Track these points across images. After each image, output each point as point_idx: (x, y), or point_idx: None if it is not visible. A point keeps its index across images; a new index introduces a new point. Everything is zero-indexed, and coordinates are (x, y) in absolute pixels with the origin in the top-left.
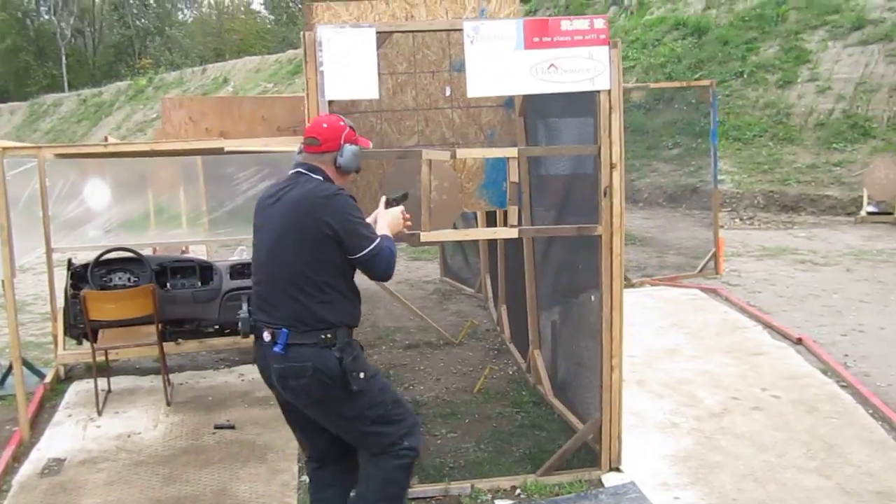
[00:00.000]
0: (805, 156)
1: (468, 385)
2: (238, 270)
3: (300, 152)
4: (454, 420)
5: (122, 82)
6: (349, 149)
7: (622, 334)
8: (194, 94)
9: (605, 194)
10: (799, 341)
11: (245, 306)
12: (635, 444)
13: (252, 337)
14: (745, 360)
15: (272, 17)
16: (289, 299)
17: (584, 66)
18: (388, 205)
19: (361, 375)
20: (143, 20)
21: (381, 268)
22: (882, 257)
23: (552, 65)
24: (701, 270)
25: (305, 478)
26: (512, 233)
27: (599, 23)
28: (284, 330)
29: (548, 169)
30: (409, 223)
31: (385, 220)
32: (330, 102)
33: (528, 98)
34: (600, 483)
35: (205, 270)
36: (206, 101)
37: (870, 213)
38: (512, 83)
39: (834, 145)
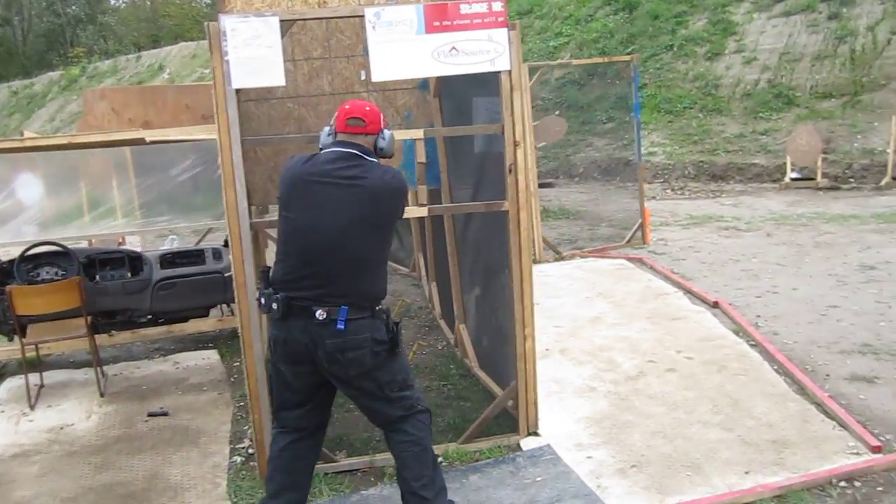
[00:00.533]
0: (733, 126)
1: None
2: (168, 260)
3: (330, 134)
4: None
5: (54, 72)
6: (389, 133)
7: (533, 305)
8: (129, 82)
9: (510, 171)
10: (715, 305)
11: (260, 283)
12: (555, 409)
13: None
14: (663, 325)
15: (208, 0)
16: (351, 278)
17: (484, 48)
18: None
19: (401, 338)
20: (73, 7)
21: None
22: (801, 221)
23: (453, 48)
24: (629, 241)
25: (237, 458)
26: (422, 211)
27: (497, 5)
28: (345, 307)
29: (464, 148)
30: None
31: None
32: (238, 91)
33: (441, 80)
34: (518, 447)
35: (134, 261)
36: (129, 92)
37: (793, 180)
38: (415, 67)
39: (760, 115)
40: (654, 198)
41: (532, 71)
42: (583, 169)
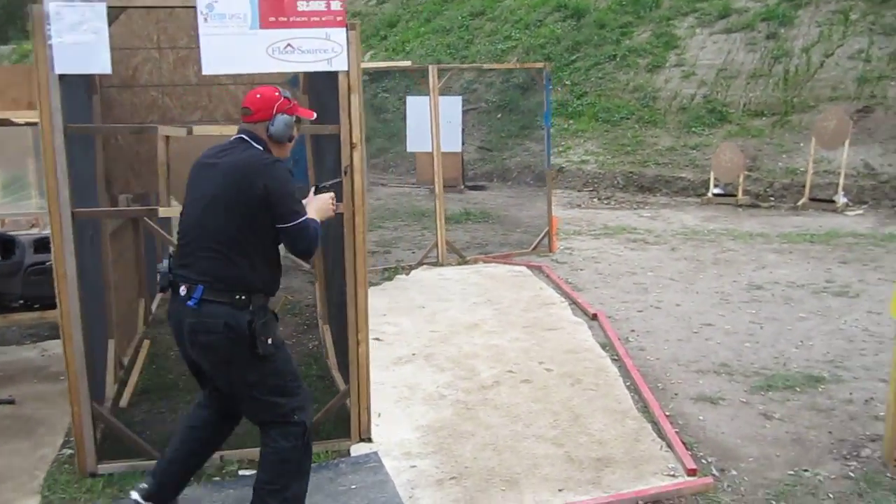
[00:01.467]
0: (666, 139)
1: None
2: (43, 244)
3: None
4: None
5: (7, 47)
6: (281, 118)
7: (367, 309)
8: None
9: (345, 173)
10: (594, 317)
11: (165, 262)
12: (398, 416)
13: (168, 293)
14: (537, 335)
15: None
16: (211, 257)
17: (321, 46)
18: (318, 192)
19: (269, 341)
20: None
21: (304, 242)
22: (710, 237)
23: (289, 45)
24: (534, 248)
25: (66, 451)
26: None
27: (336, 4)
28: (201, 286)
29: (328, 146)
30: (337, 210)
31: (314, 204)
32: (98, 77)
33: (309, 76)
34: (347, 453)
35: (6, 244)
36: (13, 71)
37: (716, 195)
38: (248, 62)
39: (693, 129)
40: (579, 206)
41: (441, 73)
42: (516, 173)
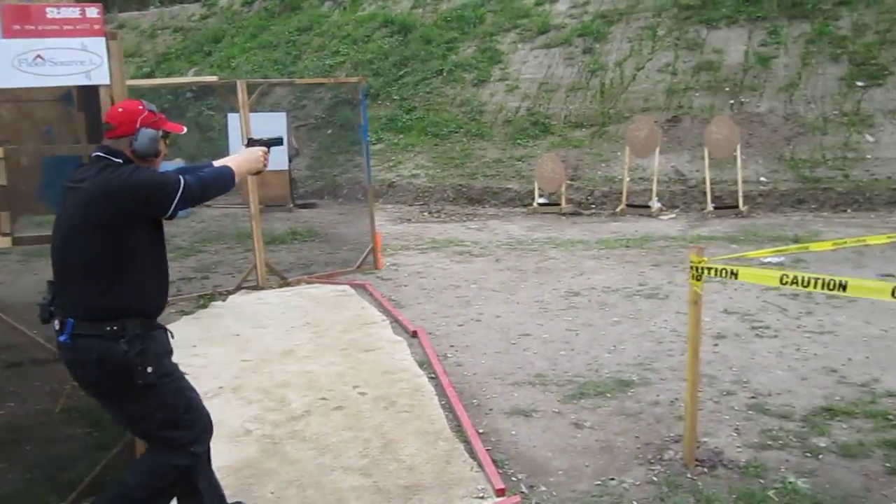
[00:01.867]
0: (493, 151)
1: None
2: None
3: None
4: (14, 447)
5: None
6: (145, 132)
7: None
8: None
9: None
10: (414, 334)
11: (48, 293)
12: None
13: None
14: (354, 357)
15: None
16: (80, 286)
17: (77, 58)
18: (251, 145)
19: (149, 370)
20: None
21: (200, 194)
22: (533, 247)
23: (38, 56)
24: (359, 266)
25: None
26: (6, 241)
27: (93, 11)
28: (71, 320)
29: None
30: (267, 163)
31: (242, 155)
32: None
33: (84, 91)
34: None
35: None
36: None
37: (541, 205)
38: None
39: (518, 141)
40: (409, 220)
41: (253, 87)
42: (347, 189)
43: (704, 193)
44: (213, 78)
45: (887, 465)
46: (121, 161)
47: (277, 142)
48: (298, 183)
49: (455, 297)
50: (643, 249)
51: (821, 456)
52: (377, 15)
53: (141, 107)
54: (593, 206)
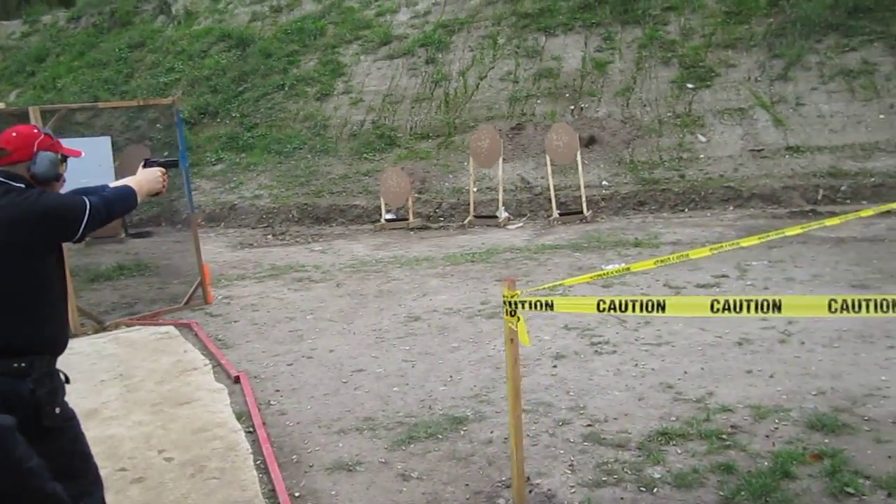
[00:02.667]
0: (339, 167)
1: None
2: None
3: None
4: None
5: None
6: (44, 156)
7: None
8: None
9: None
10: (237, 380)
11: None
12: None
13: None
14: (166, 413)
15: None
16: None
17: None
18: (148, 165)
19: (57, 411)
20: None
21: (106, 214)
22: (377, 267)
23: None
24: (187, 302)
25: None
26: None
27: None
28: None
29: None
30: (166, 184)
31: (138, 176)
32: None
33: None
34: None
35: None
36: None
37: (388, 220)
38: None
39: (365, 155)
40: (251, 245)
41: (49, 114)
42: (185, 215)
43: (550, 200)
44: (1, 105)
45: (721, 493)
46: (23, 185)
47: (174, 164)
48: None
49: (288, 331)
50: (488, 263)
51: (655, 489)
52: (213, 29)
53: (36, 130)
54: (442, 218)
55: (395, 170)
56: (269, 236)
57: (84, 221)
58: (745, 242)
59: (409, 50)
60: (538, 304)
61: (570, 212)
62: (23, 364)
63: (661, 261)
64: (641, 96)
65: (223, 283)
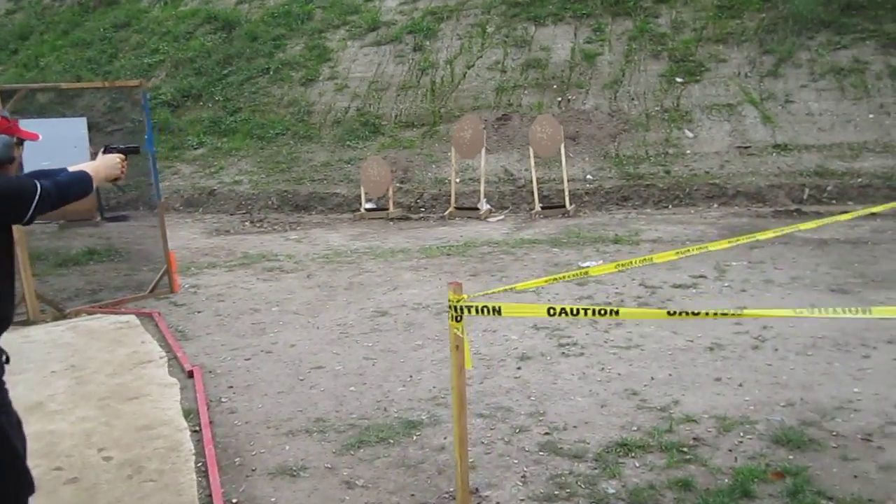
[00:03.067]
0: (322, 154)
1: None
2: None
3: None
4: None
5: None
6: None
7: None
8: None
9: None
10: (190, 374)
11: None
12: None
13: None
14: (112, 409)
15: None
16: None
17: None
18: (108, 152)
19: None
20: None
21: (58, 198)
22: (351, 258)
23: None
24: (153, 290)
25: None
26: None
27: None
28: None
29: None
30: (124, 170)
31: (97, 161)
32: None
33: None
34: None
35: None
36: None
37: (368, 210)
38: None
39: (348, 143)
40: (227, 232)
41: (9, 94)
42: (164, 199)
43: (532, 193)
44: None
45: None
46: None
47: (134, 150)
48: (111, 194)
49: (251, 323)
50: (464, 257)
51: None
52: (199, 10)
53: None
54: (423, 209)
55: (377, 158)
56: (247, 223)
57: (34, 204)
58: (713, 246)
59: (396, 36)
60: (485, 309)
61: (552, 205)
62: None
63: (622, 265)
64: (629, 89)
65: (192, 272)
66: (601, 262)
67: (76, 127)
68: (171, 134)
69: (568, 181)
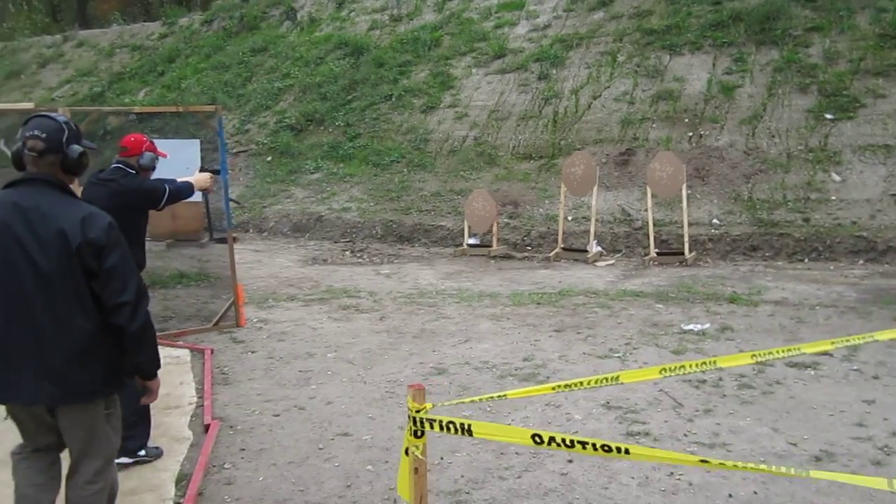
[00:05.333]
0: (433, 183)
1: None
2: None
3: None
4: None
5: None
6: (148, 154)
7: None
8: None
9: None
10: (208, 428)
11: None
12: None
13: None
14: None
15: None
16: None
17: None
18: (202, 171)
19: None
20: None
21: (175, 196)
22: (434, 300)
23: None
24: (217, 323)
25: None
26: None
27: None
28: None
29: None
30: (213, 186)
31: (195, 176)
32: None
33: None
34: None
35: None
36: None
37: (471, 245)
38: None
39: (461, 173)
40: (325, 261)
41: (83, 115)
42: (273, 223)
43: (648, 237)
44: (30, 105)
45: None
46: (134, 172)
47: (216, 171)
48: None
49: (299, 370)
50: (555, 308)
51: None
52: (332, 36)
53: (145, 137)
54: (529, 247)
55: (482, 192)
56: (347, 252)
57: (164, 198)
58: (809, 349)
59: (522, 64)
60: (451, 426)
61: (670, 251)
62: None
63: (666, 369)
64: (770, 126)
65: (269, 304)
66: (707, 325)
67: (190, 148)
68: (290, 157)
69: (690, 225)
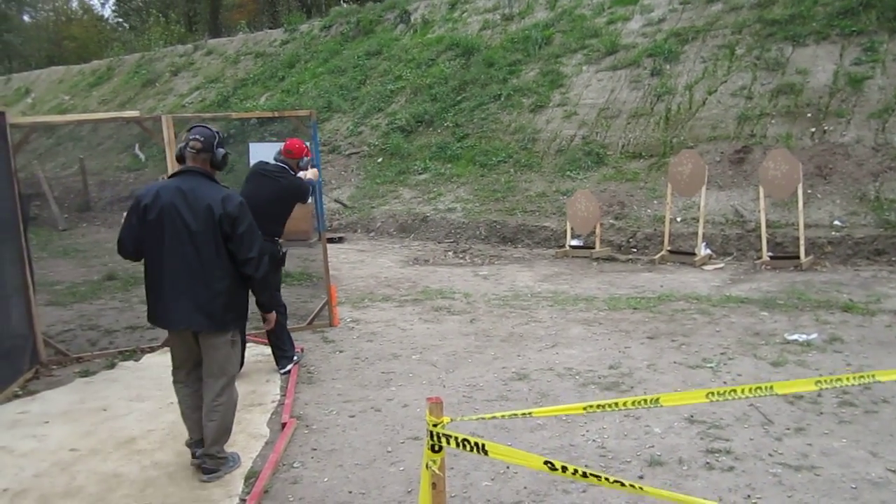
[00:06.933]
0: (540, 183)
1: None
2: None
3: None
4: None
5: None
6: (306, 159)
7: None
8: None
9: None
10: (284, 426)
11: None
12: None
13: None
14: (187, 459)
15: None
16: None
17: None
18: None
19: None
20: None
21: (311, 192)
22: (527, 303)
23: None
24: (310, 322)
25: None
26: None
27: None
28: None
29: None
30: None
31: (310, 173)
32: None
33: None
34: None
35: None
36: None
37: (573, 247)
38: None
39: (568, 173)
40: (426, 262)
41: (182, 121)
42: (380, 223)
43: (761, 239)
44: (136, 113)
45: None
46: (293, 172)
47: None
48: (332, 216)
49: (381, 372)
50: (652, 313)
51: None
52: (444, 38)
53: (305, 144)
54: (634, 249)
55: (585, 193)
56: (450, 253)
57: (310, 193)
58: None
59: (634, 60)
60: (465, 443)
61: (784, 255)
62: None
63: (713, 393)
64: None
65: (364, 304)
66: (815, 335)
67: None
68: (400, 159)
69: (808, 227)
